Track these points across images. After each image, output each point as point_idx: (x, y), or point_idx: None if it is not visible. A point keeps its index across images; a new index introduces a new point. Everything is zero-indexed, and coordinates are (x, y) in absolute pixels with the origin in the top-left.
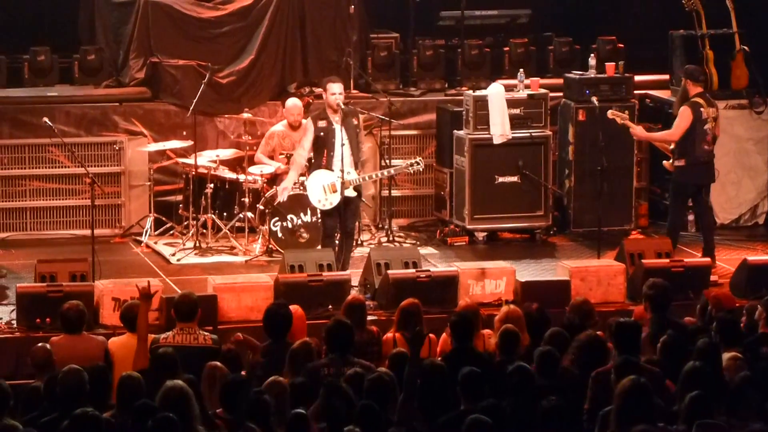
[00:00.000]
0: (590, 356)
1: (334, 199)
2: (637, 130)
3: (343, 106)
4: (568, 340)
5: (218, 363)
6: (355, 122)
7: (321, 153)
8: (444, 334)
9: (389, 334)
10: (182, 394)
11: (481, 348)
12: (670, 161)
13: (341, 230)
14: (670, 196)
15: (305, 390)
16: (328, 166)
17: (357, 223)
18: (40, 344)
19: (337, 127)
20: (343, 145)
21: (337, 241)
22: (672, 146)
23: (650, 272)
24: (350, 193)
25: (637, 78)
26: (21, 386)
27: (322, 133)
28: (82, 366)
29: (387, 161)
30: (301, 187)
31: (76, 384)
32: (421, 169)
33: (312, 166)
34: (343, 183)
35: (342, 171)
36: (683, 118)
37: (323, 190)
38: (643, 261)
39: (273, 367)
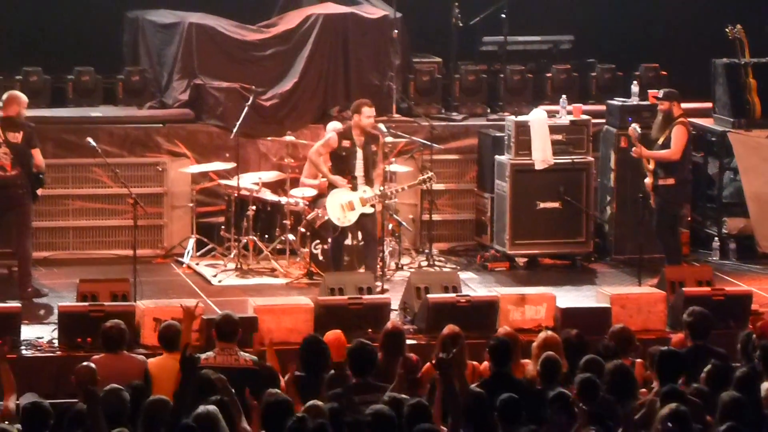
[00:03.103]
0: (618, 385)
1: (353, 217)
2: (641, 150)
3: (371, 130)
4: (603, 367)
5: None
6: (374, 148)
7: (342, 173)
8: (486, 362)
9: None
10: (211, 418)
11: (520, 377)
12: (650, 180)
13: (364, 237)
14: (660, 219)
15: (342, 415)
16: (353, 188)
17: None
18: (84, 363)
19: (359, 150)
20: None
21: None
22: (651, 165)
23: (691, 300)
24: (367, 210)
25: None
26: (62, 405)
27: (343, 153)
28: (122, 385)
29: (429, 186)
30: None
31: (118, 403)
32: (433, 184)
33: (330, 185)
34: (361, 200)
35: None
36: (680, 136)
37: (341, 209)
38: (683, 289)
39: (307, 397)
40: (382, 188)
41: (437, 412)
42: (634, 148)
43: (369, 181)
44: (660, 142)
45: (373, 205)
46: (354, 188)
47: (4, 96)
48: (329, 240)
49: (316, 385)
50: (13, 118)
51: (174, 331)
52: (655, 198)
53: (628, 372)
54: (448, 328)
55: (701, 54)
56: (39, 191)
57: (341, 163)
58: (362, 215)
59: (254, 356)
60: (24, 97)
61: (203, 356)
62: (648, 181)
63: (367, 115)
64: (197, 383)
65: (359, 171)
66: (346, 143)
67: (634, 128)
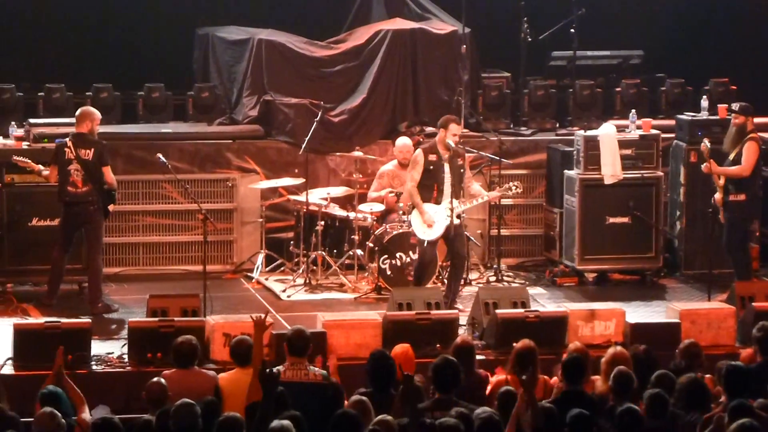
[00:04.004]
0: (691, 399)
1: (439, 231)
2: (712, 165)
3: (453, 146)
4: (674, 383)
5: (364, 398)
6: (460, 162)
7: (430, 187)
8: (556, 377)
9: (501, 376)
10: None
11: (590, 392)
12: (720, 196)
13: (451, 258)
14: (730, 235)
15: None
16: (437, 201)
17: (466, 248)
18: (155, 379)
19: (445, 165)
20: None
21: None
22: (722, 181)
23: (761, 315)
24: (454, 220)
25: None
26: (132, 420)
27: (431, 167)
28: (193, 401)
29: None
30: (410, 226)
31: (189, 418)
32: (519, 191)
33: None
34: (451, 213)
35: (451, 203)
36: (752, 152)
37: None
38: (753, 304)
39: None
40: (468, 205)
41: (512, 429)
42: (704, 164)
43: (456, 195)
44: (731, 157)
45: (458, 216)
46: (438, 202)
47: (78, 112)
48: (415, 258)
49: (383, 401)
50: (85, 134)
51: (246, 346)
52: (724, 213)
53: (702, 386)
54: (522, 343)
55: None
56: (110, 207)
57: (428, 177)
58: (450, 237)
59: (323, 371)
60: (97, 113)
61: (273, 370)
62: (718, 196)
63: (454, 132)
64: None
65: (447, 185)
66: (432, 157)
67: (706, 144)
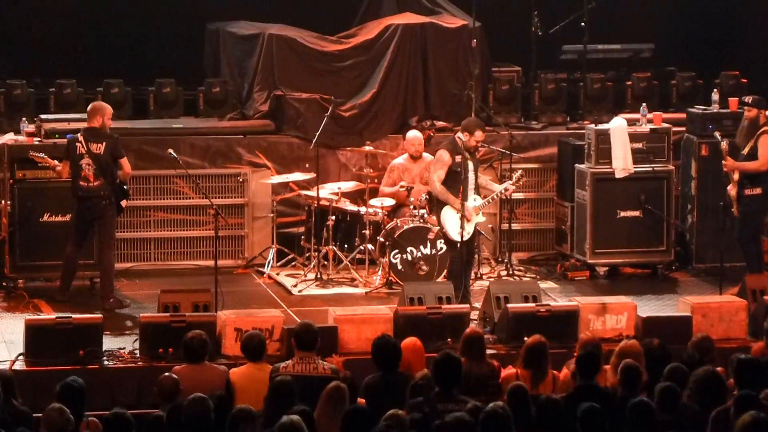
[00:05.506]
0: (708, 392)
1: (471, 228)
2: (729, 161)
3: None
4: (688, 376)
5: (341, 383)
6: (477, 156)
7: (456, 187)
8: (566, 370)
9: (511, 370)
10: (295, 428)
11: (603, 384)
12: (735, 190)
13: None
14: (743, 228)
15: (424, 425)
16: (463, 199)
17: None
18: (167, 374)
19: (470, 163)
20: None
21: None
22: (737, 176)
23: None
24: (480, 218)
25: None
26: (144, 415)
27: (458, 169)
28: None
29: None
30: (421, 220)
31: (202, 412)
32: (523, 178)
33: (439, 201)
34: (474, 209)
35: (479, 206)
36: (767, 146)
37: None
38: (765, 297)
39: (386, 399)
40: (489, 200)
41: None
42: (724, 161)
43: (477, 191)
44: (745, 151)
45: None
46: (464, 199)
47: (89, 107)
48: (450, 257)
49: (393, 382)
50: (97, 128)
51: (257, 341)
52: (738, 207)
53: (719, 379)
54: (533, 338)
55: None
56: (123, 203)
57: (455, 179)
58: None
59: (333, 365)
60: (108, 108)
61: (282, 365)
62: (732, 191)
63: (478, 139)
64: (277, 391)
65: (471, 183)
66: (458, 158)
67: (725, 143)
